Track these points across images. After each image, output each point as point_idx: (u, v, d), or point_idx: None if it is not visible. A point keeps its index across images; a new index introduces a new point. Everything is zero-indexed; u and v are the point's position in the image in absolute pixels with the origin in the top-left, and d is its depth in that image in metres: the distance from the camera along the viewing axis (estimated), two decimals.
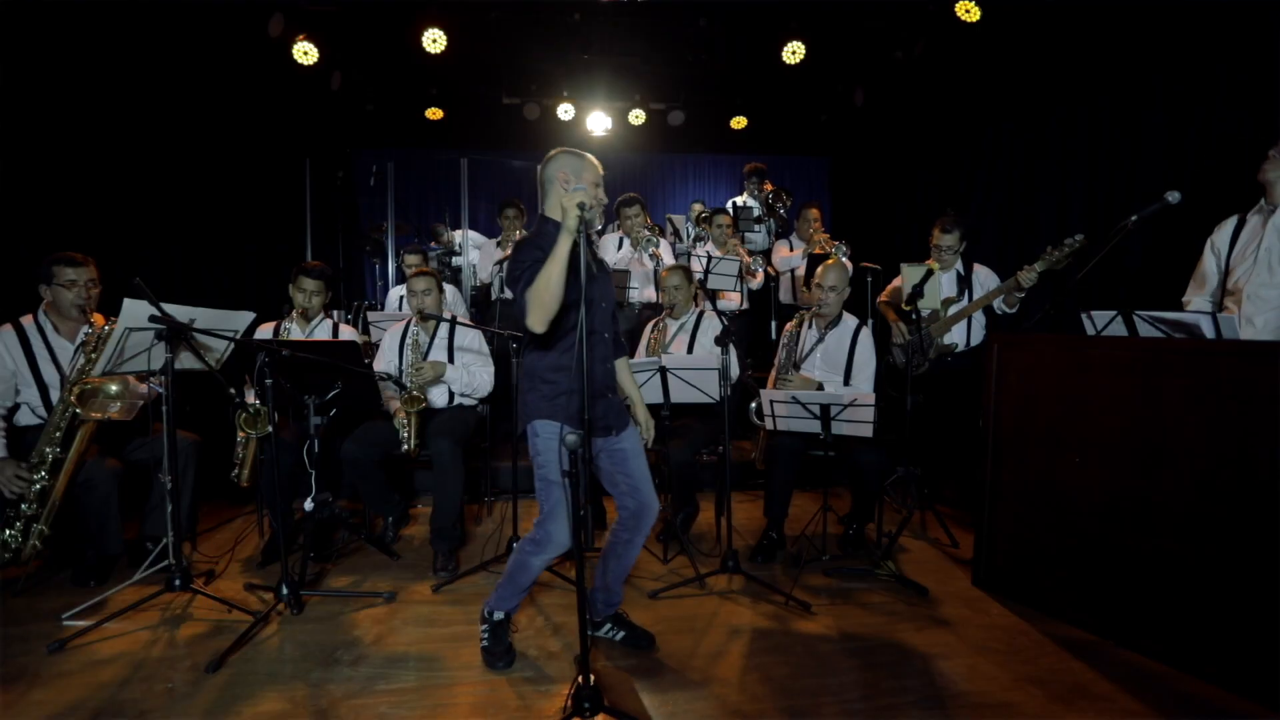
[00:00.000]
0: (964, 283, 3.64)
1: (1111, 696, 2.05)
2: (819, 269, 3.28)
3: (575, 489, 1.81)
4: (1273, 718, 1.94)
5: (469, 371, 3.39)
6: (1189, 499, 2.14)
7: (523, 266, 1.99)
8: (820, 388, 3.15)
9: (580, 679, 1.84)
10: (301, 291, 3.31)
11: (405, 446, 3.14)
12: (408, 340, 3.37)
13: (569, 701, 1.86)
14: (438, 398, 3.39)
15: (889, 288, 3.94)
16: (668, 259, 4.65)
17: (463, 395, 3.42)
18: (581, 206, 1.80)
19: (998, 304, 3.53)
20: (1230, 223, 2.81)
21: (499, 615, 2.26)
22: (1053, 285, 3.46)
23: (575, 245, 1.86)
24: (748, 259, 4.85)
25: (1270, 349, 2.06)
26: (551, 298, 1.90)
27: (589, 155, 2.14)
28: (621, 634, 2.37)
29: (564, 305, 1.97)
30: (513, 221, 5.07)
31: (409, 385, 3.16)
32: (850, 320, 3.28)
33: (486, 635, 2.26)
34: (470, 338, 3.48)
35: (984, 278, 3.61)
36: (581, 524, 1.83)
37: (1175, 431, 2.18)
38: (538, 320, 1.93)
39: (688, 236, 5.67)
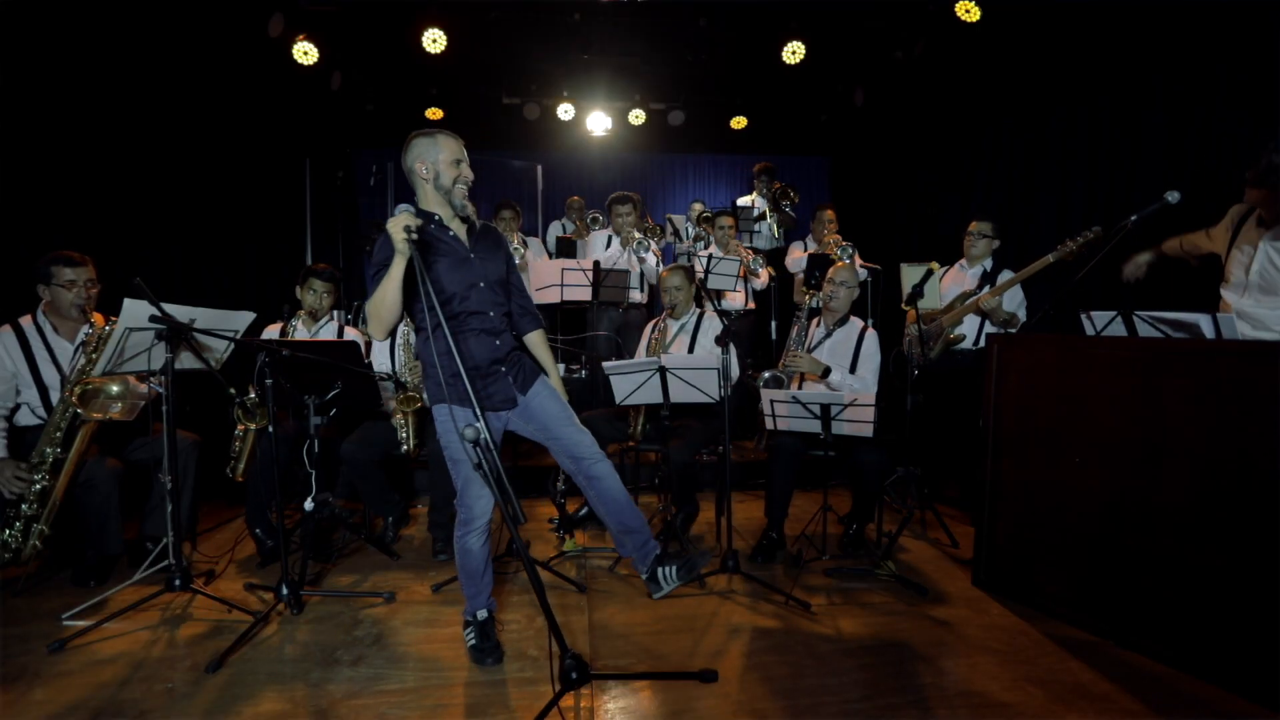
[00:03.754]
0: (987, 279, 3.67)
1: (1111, 696, 2.05)
2: (831, 268, 3.42)
3: (491, 481, 1.74)
4: (1273, 718, 1.94)
5: None
6: (1189, 499, 2.14)
7: (376, 267, 2.04)
8: (828, 371, 3.19)
9: (559, 650, 1.80)
10: (312, 292, 3.34)
11: (405, 447, 3.14)
12: (398, 340, 3.38)
13: (555, 682, 1.81)
14: None
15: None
16: (651, 262, 4.69)
17: None
18: (408, 230, 1.86)
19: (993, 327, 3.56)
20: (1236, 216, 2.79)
21: (482, 614, 2.27)
22: (1053, 285, 3.46)
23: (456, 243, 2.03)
24: (748, 258, 4.85)
25: (1270, 349, 2.06)
26: (388, 313, 2.00)
27: (442, 133, 2.13)
28: (674, 568, 2.30)
29: (442, 292, 2.05)
30: (509, 223, 5.05)
31: (405, 384, 3.17)
32: (857, 321, 3.38)
33: (472, 635, 2.28)
34: None
35: (1007, 279, 3.62)
36: (507, 499, 1.76)
37: (1175, 431, 2.18)
38: (377, 330, 2.04)
39: (688, 236, 5.67)
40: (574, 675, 1.77)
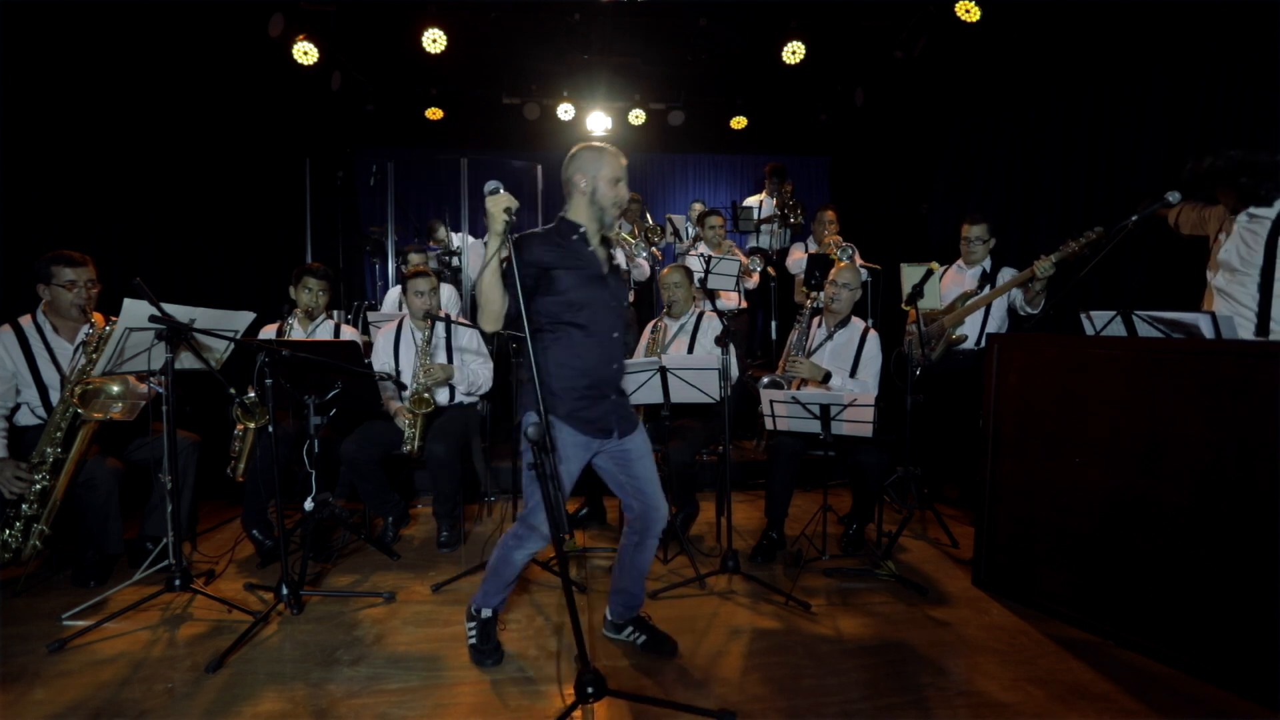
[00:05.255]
0: (987, 279, 3.67)
1: (1111, 696, 2.05)
2: (833, 269, 3.41)
3: (544, 479, 1.73)
4: (1273, 717, 1.94)
5: (470, 369, 3.42)
6: (1189, 499, 2.14)
7: (520, 265, 1.90)
8: (828, 376, 3.17)
9: (580, 665, 1.80)
10: (307, 290, 3.34)
11: (407, 447, 3.14)
12: (403, 341, 3.38)
13: (573, 689, 1.82)
14: (439, 395, 3.40)
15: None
16: (641, 263, 4.70)
17: (465, 394, 3.44)
18: (508, 211, 1.82)
19: (1020, 304, 3.55)
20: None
21: (486, 613, 2.25)
22: (1052, 285, 3.47)
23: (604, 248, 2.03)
24: (745, 260, 4.85)
25: (1270, 349, 2.06)
26: (487, 301, 1.91)
27: (609, 149, 2.05)
28: (643, 638, 2.33)
29: (571, 303, 1.99)
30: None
31: (416, 386, 3.18)
32: (859, 322, 3.36)
33: (474, 633, 2.26)
34: (468, 337, 3.49)
35: (1007, 278, 3.62)
36: (558, 511, 1.74)
37: (1175, 431, 2.18)
38: (485, 321, 1.96)
39: (688, 236, 5.67)
40: (590, 690, 1.78)
